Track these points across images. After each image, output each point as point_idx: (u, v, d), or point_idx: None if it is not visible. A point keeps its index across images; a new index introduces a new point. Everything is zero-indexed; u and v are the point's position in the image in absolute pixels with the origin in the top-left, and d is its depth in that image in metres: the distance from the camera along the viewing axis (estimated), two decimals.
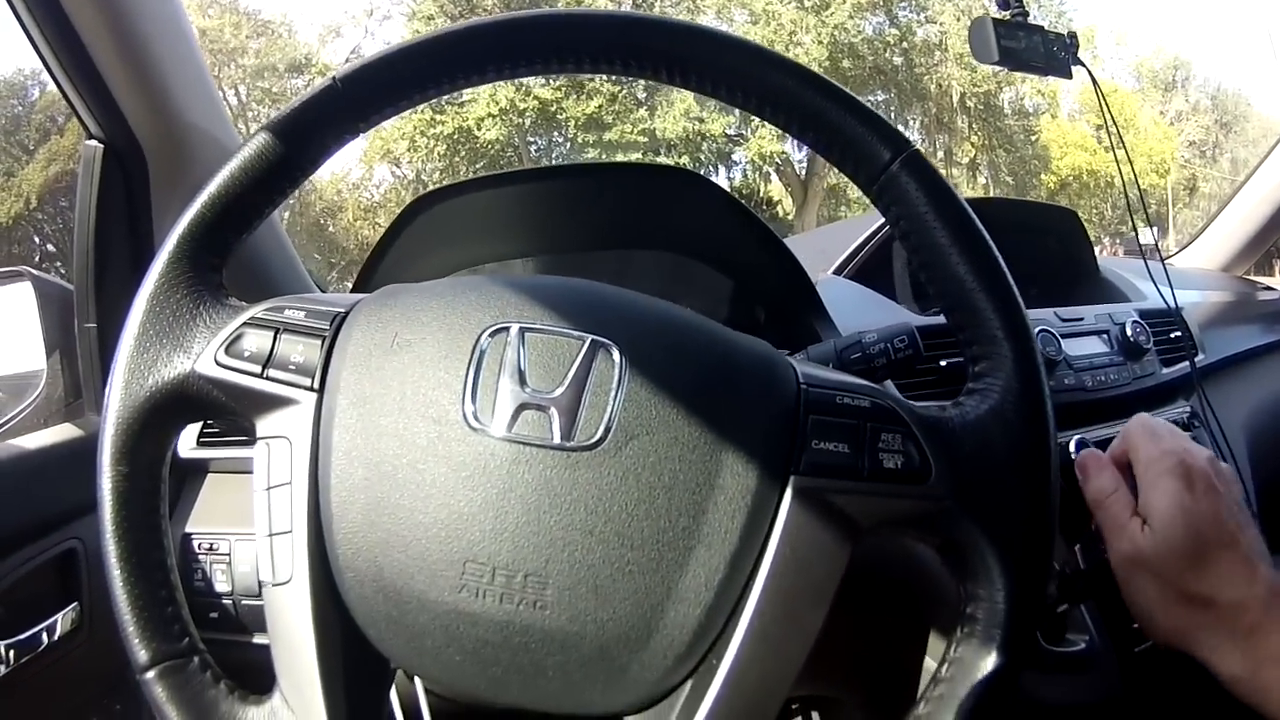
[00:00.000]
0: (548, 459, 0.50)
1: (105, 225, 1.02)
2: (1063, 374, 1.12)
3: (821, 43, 22.48)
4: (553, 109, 23.40)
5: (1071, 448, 1.00)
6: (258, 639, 0.92)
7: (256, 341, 0.55)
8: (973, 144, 25.49)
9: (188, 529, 0.97)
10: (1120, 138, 1.32)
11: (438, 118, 23.47)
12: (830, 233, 1.44)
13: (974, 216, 0.55)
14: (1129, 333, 1.23)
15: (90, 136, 1.01)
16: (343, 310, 0.56)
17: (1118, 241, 24.48)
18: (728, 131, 24.70)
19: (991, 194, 25.88)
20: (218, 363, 0.55)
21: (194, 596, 0.96)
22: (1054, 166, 25.92)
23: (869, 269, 1.38)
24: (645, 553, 0.49)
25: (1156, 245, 1.59)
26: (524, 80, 22.55)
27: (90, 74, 0.95)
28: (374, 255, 1.06)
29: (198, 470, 1.01)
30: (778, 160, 25.15)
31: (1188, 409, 1.26)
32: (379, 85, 0.58)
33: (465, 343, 0.52)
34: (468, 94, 22.95)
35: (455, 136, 23.33)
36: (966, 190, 26.67)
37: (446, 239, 1.13)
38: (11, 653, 0.84)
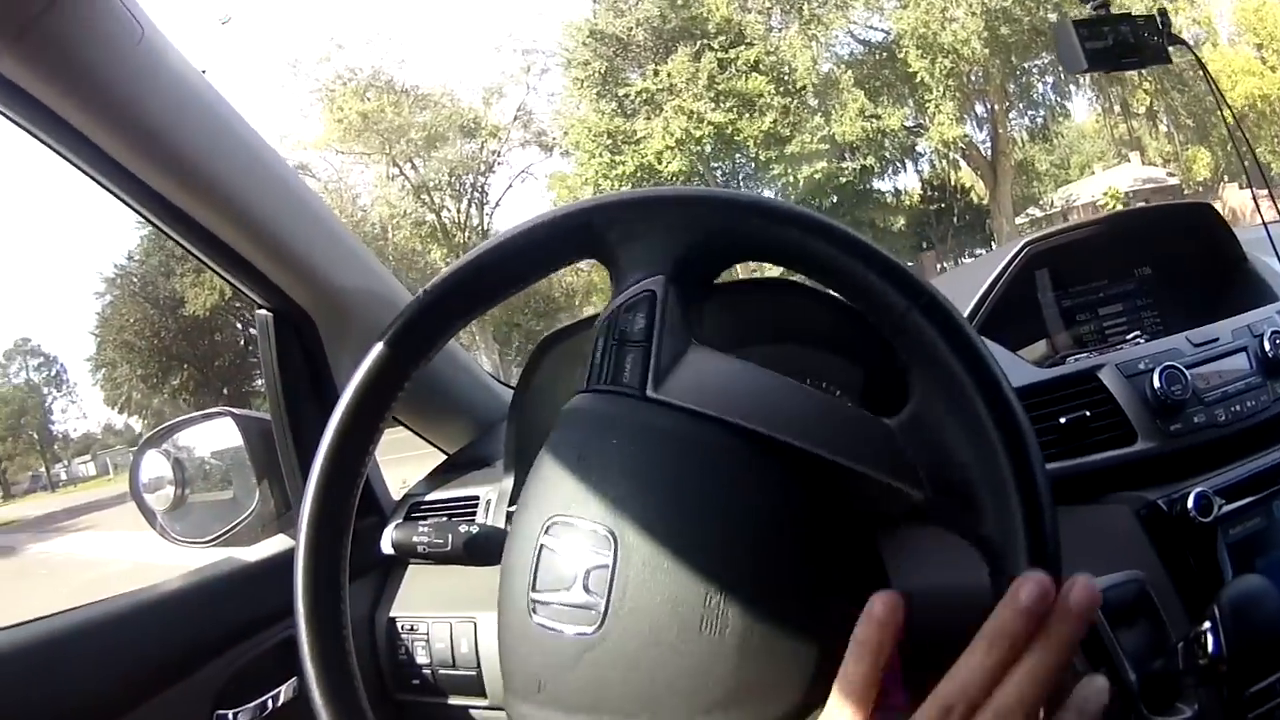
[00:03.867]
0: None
1: (289, 376, 1.18)
2: (1192, 412, 1.03)
3: (975, 13, 21.57)
4: (729, 131, 23.30)
5: (1189, 501, 0.93)
6: (452, 700, 1.11)
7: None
8: (1146, 91, 23.80)
9: (392, 613, 1.16)
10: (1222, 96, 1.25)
11: (617, 159, 23.75)
12: (962, 274, 1.38)
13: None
14: (1267, 346, 1.10)
15: (260, 307, 1.16)
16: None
17: None
18: (905, 124, 24.05)
19: (1175, 140, 24.00)
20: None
21: (399, 669, 1.13)
22: (1228, 98, 23.24)
23: (1010, 303, 1.29)
24: None
25: None
26: (694, 107, 22.86)
27: (234, 258, 1.08)
28: (521, 382, 1.14)
29: (399, 563, 1.19)
30: (962, 145, 24.26)
31: None
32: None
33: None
34: (640, 130, 23.26)
35: (638, 175, 23.47)
36: (1149, 142, 24.81)
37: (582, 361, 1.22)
38: (239, 716, 1.03)
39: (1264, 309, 1.22)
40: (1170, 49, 1.21)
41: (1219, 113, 1.46)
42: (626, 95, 23.83)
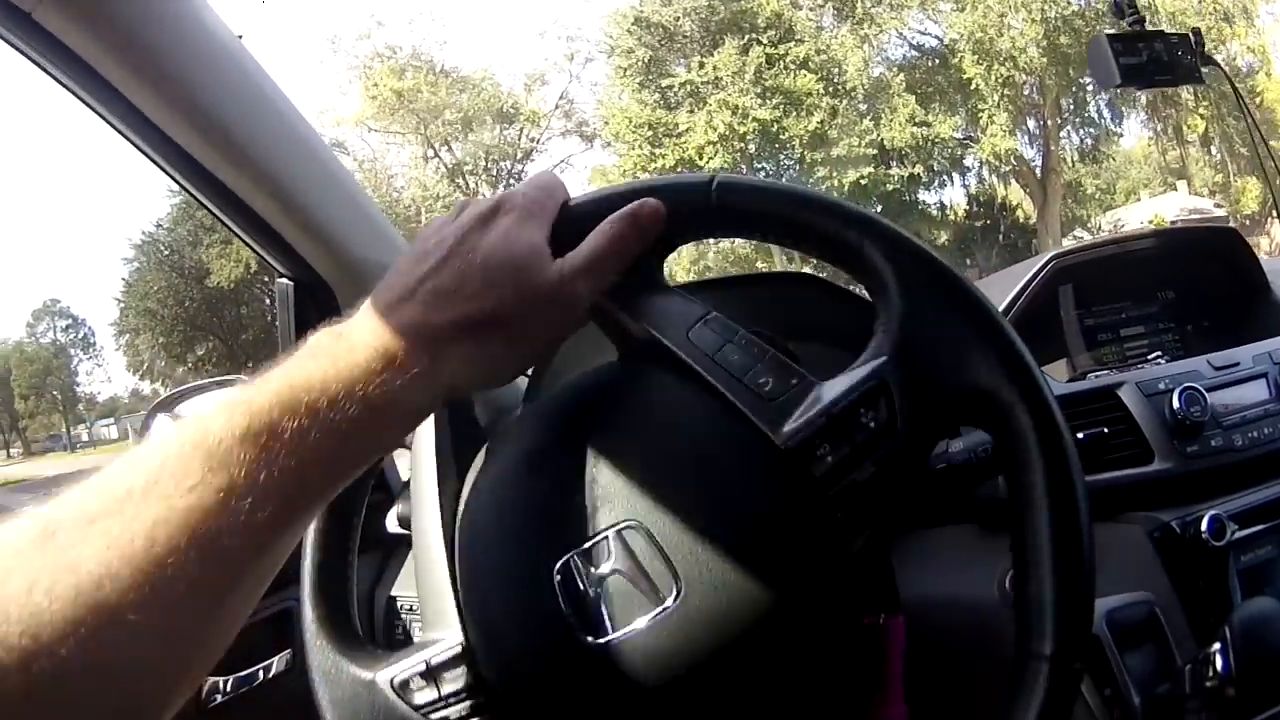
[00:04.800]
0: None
1: None
2: (1210, 435, 1.03)
3: (1034, 20, 21.24)
4: (774, 129, 22.97)
5: (1203, 524, 0.93)
6: None
7: None
8: (1201, 115, 23.29)
9: (393, 592, 1.16)
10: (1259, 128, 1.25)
11: (657, 151, 23.46)
12: (988, 285, 1.38)
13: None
14: None
15: (280, 275, 1.17)
16: None
17: None
18: (956, 134, 23.76)
19: (1227, 170, 23.52)
20: None
21: (394, 647, 1.13)
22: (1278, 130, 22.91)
23: (1032, 318, 1.29)
24: None
25: None
26: (739, 102, 22.62)
27: (258, 224, 1.09)
28: (535, 369, 1.15)
29: (402, 543, 1.17)
30: (1013, 159, 23.97)
31: None
32: None
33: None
34: (683, 123, 23.11)
35: (678, 168, 22.57)
36: (1197, 171, 24.44)
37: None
38: (229, 684, 1.04)
39: None
40: (1203, 69, 1.23)
41: (1271, 142, 1.46)
42: (670, 86, 23.56)
